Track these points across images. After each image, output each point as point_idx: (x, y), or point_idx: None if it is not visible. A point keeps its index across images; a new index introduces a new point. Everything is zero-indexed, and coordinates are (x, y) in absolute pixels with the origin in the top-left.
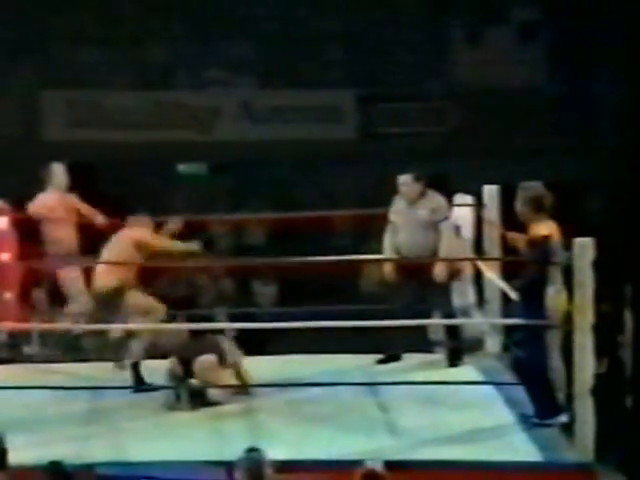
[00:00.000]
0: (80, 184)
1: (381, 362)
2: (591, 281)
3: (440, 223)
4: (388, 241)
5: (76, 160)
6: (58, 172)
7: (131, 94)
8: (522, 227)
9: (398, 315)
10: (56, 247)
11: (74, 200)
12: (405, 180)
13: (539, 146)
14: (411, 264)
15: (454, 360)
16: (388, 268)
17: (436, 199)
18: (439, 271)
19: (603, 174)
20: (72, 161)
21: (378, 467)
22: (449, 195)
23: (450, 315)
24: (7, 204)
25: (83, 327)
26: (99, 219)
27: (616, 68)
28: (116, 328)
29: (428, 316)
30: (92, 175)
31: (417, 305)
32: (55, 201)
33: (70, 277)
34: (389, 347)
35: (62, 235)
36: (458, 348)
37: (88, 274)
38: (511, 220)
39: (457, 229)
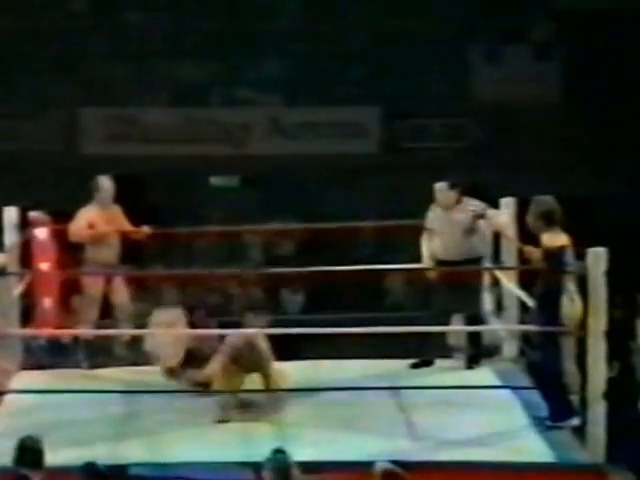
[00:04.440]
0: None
1: (414, 366)
2: (604, 289)
3: (485, 214)
4: (425, 247)
5: (123, 173)
6: (104, 185)
7: (166, 110)
8: (537, 238)
9: (422, 322)
10: (97, 259)
11: (117, 213)
12: (440, 188)
13: (554, 160)
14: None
15: (472, 363)
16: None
17: (473, 202)
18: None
19: (617, 186)
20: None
21: (390, 467)
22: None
23: (476, 319)
24: (47, 215)
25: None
26: (137, 233)
27: (632, 83)
28: (149, 333)
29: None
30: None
31: (447, 310)
32: (95, 217)
33: (115, 288)
34: (419, 353)
35: (103, 248)
36: (477, 352)
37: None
38: (527, 231)
39: None
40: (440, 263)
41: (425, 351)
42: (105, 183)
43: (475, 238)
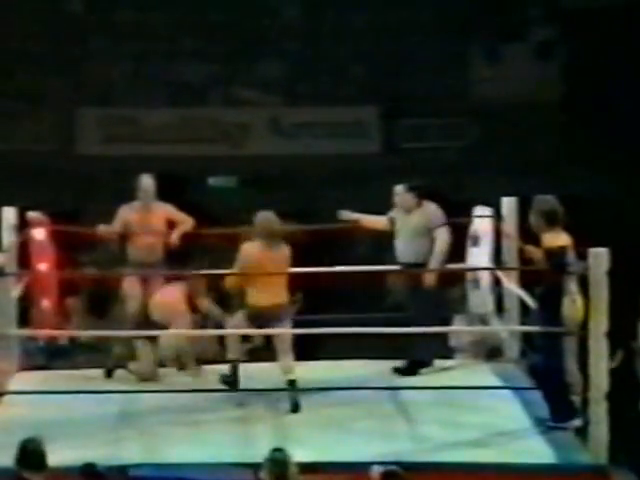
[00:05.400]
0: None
1: (397, 371)
2: (606, 290)
3: (435, 229)
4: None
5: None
6: (144, 183)
7: (165, 110)
8: (538, 238)
9: (416, 322)
10: (135, 260)
11: (161, 212)
12: (399, 190)
13: (555, 160)
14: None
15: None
16: None
17: (431, 208)
18: (429, 277)
19: (618, 186)
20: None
21: (390, 468)
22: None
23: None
24: (45, 216)
25: (116, 334)
26: (188, 226)
27: (632, 82)
28: (142, 334)
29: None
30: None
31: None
32: (132, 215)
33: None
34: (415, 354)
35: (139, 248)
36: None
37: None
38: (529, 231)
39: (475, 240)
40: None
41: (419, 352)
42: (145, 181)
43: (428, 243)
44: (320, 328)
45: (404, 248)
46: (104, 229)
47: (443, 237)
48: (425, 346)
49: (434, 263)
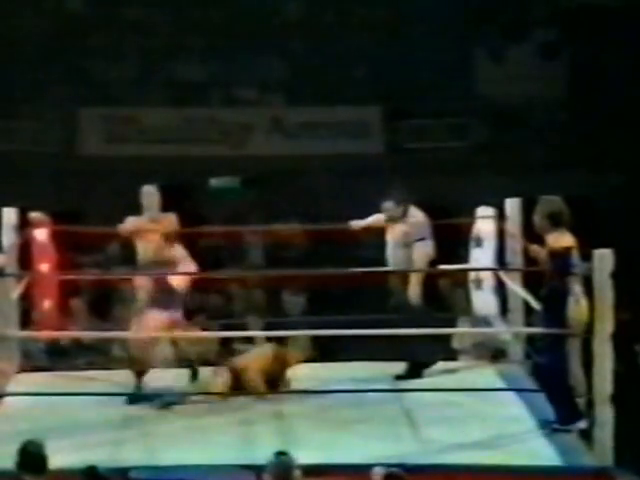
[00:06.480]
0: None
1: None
2: (610, 291)
3: (414, 242)
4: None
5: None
6: (147, 195)
7: (166, 110)
8: (542, 239)
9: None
10: (143, 256)
11: (168, 223)
12: (388, 207)
13: (559, 160)
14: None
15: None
16: None
17: (415, 219)
18: (413, 291)
19: (621, 186)
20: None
21: (392, 470)
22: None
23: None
24: (47, 216)
25: (119, 334)
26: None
27: (634, 82)
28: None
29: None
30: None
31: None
32: (137, 224)
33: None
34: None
35: (143, 254)
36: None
37: None
38: (533, 232)
39: (478, 241)
40: None
41: (416, 355)
42: (148, 192)
43: (407, 256)
44: (322, 329)
45: (389, 257)
46: (123, 228)
47: (421, 253)
48: (422, 348)
49: (413, 280)
